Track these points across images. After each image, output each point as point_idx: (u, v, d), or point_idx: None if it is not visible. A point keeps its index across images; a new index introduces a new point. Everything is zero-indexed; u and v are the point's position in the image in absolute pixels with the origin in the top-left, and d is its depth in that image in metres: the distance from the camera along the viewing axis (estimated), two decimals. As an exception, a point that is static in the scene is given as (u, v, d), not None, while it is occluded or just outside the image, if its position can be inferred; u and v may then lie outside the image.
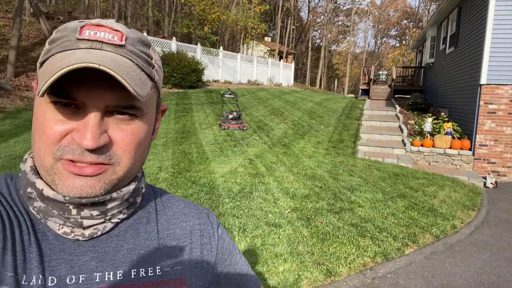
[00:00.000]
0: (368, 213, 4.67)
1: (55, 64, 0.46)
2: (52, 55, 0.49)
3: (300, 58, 48.62)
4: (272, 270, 3.19)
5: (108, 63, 0.46)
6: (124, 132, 0.52)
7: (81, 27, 0.50)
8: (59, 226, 0.53)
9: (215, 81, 18.00)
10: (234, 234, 3.74)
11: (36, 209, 0.53)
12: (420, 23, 44.77)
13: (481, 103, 7.66)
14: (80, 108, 0.49)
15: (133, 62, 0.51)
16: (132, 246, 0.58)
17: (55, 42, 0.50)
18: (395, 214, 4.70)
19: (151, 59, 0.55)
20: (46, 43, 0.52)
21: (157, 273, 0.58)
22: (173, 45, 15.92)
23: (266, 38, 36.41)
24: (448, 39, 11.06)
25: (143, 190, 0.62)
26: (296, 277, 3.12)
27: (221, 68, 18.71)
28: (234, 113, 9.31)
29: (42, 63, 0.50)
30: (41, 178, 0.52)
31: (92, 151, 0.49)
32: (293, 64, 28.07)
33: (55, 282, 0.50)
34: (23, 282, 0.47)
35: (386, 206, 4.98)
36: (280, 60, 26.77)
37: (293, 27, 43.93)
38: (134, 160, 0.54)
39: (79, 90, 0.47)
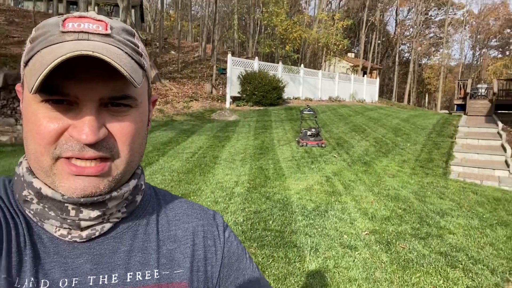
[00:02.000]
0: (460, 241, 4.13)
1: (45, 58, 0.44)
2: (37, 51, 0.47)
3: (387, 73, 46.53)
4: (345, 296, 2.96)
5: (100, 51, 0.44)
6: (121, 123, 0.50)
7: (63, 20, 0.48)
8: (56, 228, 0.51)
9: (296, 98, 18.07)
10: (305, 254, 3.59)
11: (32, 212, 0.52)
12: (529, 30, 39.79)
13: None
14: (73, 103, 0.47)
15: (122, 50, 0.49)
16: (129, 248, 0.55)
17: (37, 39, 0.49)
18: (494, 244, 4.08)
19: (138, 47, 0.53)
20: (27, 42, 0.51)
21: (155, 277, 0.54)
22: (255, 64, 16.44)
23: (349, 54, 35.71)
24: None
25: (143, 187, 0.60)
26: (371, 306, 2.85)
27: (302, 85, 18.75)
28: (313, 130, 9.17)
29: (26, 62, 0.49)
30: (38, 178, 0.51)
31: (92, 145, 0.47)
32: (377, 79, 26.95)
33: (48, 285, 0.48)
34: (16, 285, 0.47)
35: (484, 234, 4.35)
36: (364, 76, 25.91)
37: (379, 41, 42.38)
38: (133, 151, 0.53)
39: (71, 84, 0.46)
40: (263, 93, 14.89)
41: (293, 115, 13.26)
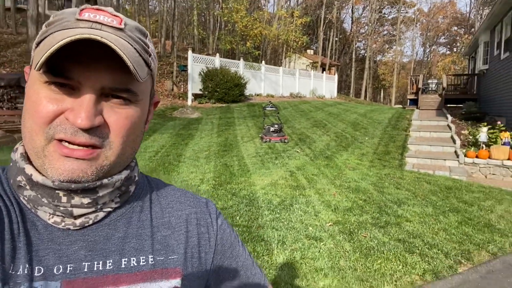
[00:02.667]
0: (416, 228, 4.39)
1: (55, 39, 0.45)
2: (50, 33, 0.48)
3: (344, 69, 47.92)
4: (312, 285, 3.06)
5: (109, 39, 0.45)
6: (118, 115, 0.51)
7: (81, 10, 0.50)
8: (49, 215, 0.52)
9: (258, 95, 18.18)
10: (273, 247, 3.67)
11: (26, 199, 0.52)
12: (472, 29, 42.50)
13: (544, 109, 7.04)
14: (75, 88, 0.48)
15: (132, 46, 0.50)
16: (123, 235, 0.56)
17: (53, 23, 0.50)
18: (447, 229, 4.38)
19: (148, 47, 0.55)
20: (43, 26, 0.52)
21: (150, 262, 0.55)
22: (217, 61, 16.35)
23: (308, 51, 36.36)
24: (502, 44, 10.37)
25: (136, 179, 0.61)
26: (337, 293, 2.98)
27: (264, 82, 18.89)
28: (276, 126, 9.30)
29: (38, 43, 0.50)
30: (31, 164, 0.52)
31: (85, 131, 0.48)
32: (336, 76, 27.69)
33: (42, 271, 0.49)
34: (10, 271, 0.47)
35: (437, 221, 4.66)
36: (323, 72, 26.54)
37: (336, 38, 43.55)
38: (125, 145, 0.53)
39: (76, 69, 0.47)
40: (225, 90, 14.85)
41: (255, 112, 13.34)
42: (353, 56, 43.69)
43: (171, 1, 23.42)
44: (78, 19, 0.49)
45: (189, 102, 14.97)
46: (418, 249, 3.80)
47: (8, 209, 0.51)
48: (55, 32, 0.48)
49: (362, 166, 7.38)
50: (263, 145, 8.66)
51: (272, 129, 9.21)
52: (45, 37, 0.49)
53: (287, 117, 12.85)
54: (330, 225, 4.33)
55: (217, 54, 17.28)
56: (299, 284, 3.06)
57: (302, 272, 3.24)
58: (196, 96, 15.29)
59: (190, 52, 15.40)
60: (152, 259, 0.56)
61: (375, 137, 10.02)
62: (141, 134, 0.58)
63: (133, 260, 0.54)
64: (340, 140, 9.68)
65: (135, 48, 0.50)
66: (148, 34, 0.56)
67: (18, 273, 0.47)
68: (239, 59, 18.37)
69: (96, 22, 0.49)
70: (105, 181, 0.53)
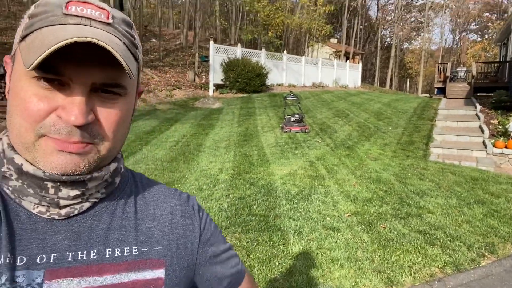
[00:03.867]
0: (439, 219, 4.27)
1: (47, 38, 0.44)
2: (38, 29, 0.47)
3: (369, 58, 46.79)
4: (327, 275, 3.04)
5: (104, 39, 0.45)
6: (109, 111, 0.51)
7: (67, 3, 0.49)
8: (34, 205, 0.52)
9: (279, 85, 18.05)
10: (289, 236, 3.65)
11: (10, 189, 0.52)
12: (505, 15, 40.43)
13: None
14: (65, 84, 0.48)
15: (121, 41, 0.50)
16: (107, 226, 0.56)
17: (37, 16, 0.49)
18: (471, 221, 4.23)
19: (134, 39, 0.54)
20: (25, 17, 0.51)
21: (134, 253, 0.56)
22: (238, 51, 16.31)
23: (332, 40, 35.67)
24: (538, 27, 9.80)
25: (122, 170, 0.61)
26: (353, 284, 2.94)
27: (285, 71, 18.72)
28: (296, 116, 9.22)
29: (24, 37, 0.49)
30: (20, 155, 0.51)
31: (79, 128, 0.48)
32: (360, 64, 27.09)
33: (25, 261, 0.49)
34: None
35: (461, 212, 4.51)
36: (346, 61, 26.02)
37: (361, 26, 42.46)
38: (116, 139, 0.54)
39: (67, 65, 0.46)
40: (246, 80, 14.82)
41: (276, 102, 13.26)
42: (378, 44, 42.55)
43: (193, -9, 23.47)
44: (65, 14, 0.48)
45: (211, 93, 15.05)
46: (440, 241, 3.70)
47: None
48: (43, 27, 0.47)
49: (384, 156, 7.22)
50: (284, 135, 8.61)
51: (292, 119, 9.14)
52: (31, 32, 0.48)
53: (308, 107, 12.70)
54: (348, 216, 4.27)
55: (239, 44, 17.23)
56: (314, 274, 3.04)
57: (318, 262, 3.21)
58: (217, 87, 15.35)
59: (211, 42, 15.43)
60: (136, 250, 0.56)
61: (399, 127, 9.77)
62: (129, 126, 0.59)
63: (117, 250, 0.55)
64: (362, 130, 9.49)
65: (124, 43, 0.50)
66: (133, 25, 0.56)
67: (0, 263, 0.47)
68: (260, 49, 18.26)
69: (84, 17, 0.48)
70: (95, 174, 0.53)
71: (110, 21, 0.50)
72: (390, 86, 41.21)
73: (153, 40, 22.13)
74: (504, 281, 3.16)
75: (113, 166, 0.57)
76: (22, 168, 0.50)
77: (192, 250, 0.63)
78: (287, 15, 23.82)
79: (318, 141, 8.15)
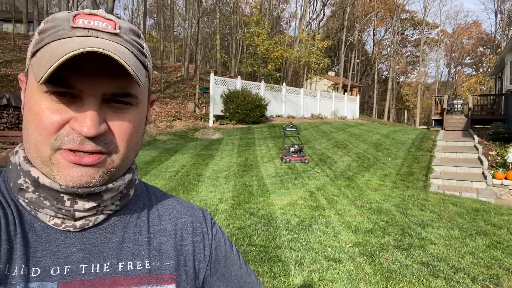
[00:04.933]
0: (441, 251, 4.20)
1: (55, 51, 0.46)
2: (47, 43, 0.49)
3: (366, 91, 47.62)
4: (330, 308, 2.96)
5: (111, 49, 0.46)
6: (121, 121, 0.52)
7: (74, 16, 0.50)
8: (50, 217, 0.52)
9: (278, 116, 18.25)
10: (290, 268, 3.58)
11: (27, 201, 0.53)
12: (498, 49, 41.61)
13: None
14: (77, 97, 0.49)
15: (129, 50, 0.51)
16: (121, 239, 0.56)
17: (47, 32, 0.50)
18: (474, 253, 4.17)
19: (143, 48, 0.55)
20: (36, 34, 0.52)
21: (146, 267, 0.56)
22: (238, 83, 16.61)
23: (330, 73, 36.45)
24: (531, 61, 10.07)
25: (136, 182, 0.62)
26: (356, 317, 2.86)
27: (284, 103, 18.99)
28: (296, 146, 9.26)
29: (34, 53, 0.50)
30: (36, 168, 0.52)
31: (92, 139, 0.49)
32: (358, 96, 27.54)
33: (39, 273, 0.49)
34: (6, 272, 0.47)
35: (464, 244, 4.44)
36: (344, 94, 26.46)
37: (358, 60, 43.53)
38: (130, 148, 0.54)
39: (78, 78, 0.48)
40: (246, 111, 15.01)
41: (276, 133, 13.36)
42: (375, 77, 43.47)
43: (195, 26, 24.21)
44: (73, 27, 0.49)
45: (211, 123, 15.19)
46: (443, 273, 3.62)
47: (5, 211, 0.52)
48: (52, 42, 0.48)
49: (385, 187, 7.20)
50: (283, 165, 8.61)
51: (292, 149, 9.18)
52: (41, 47, 0.49)
53: (307, 137, 12.79)
54: (350, 247, 4.21)
55: (239, 77, 17.58)
56: (316, 306, 2.96)
57: (320, 294, 3.14)
58: (217, 118, 15.51)
59: (212, 75, 15.75)
60: (148, 264, 0.56)
61: (398, 158, 9.80)
62: (142, 135, 0.59)
63: (130, 264, 0.55)
64: (362, 160, 9.51)
65: (132, 52, 0.51)
66: (141, 34, 0.57)
67: (14, 274, 0.48)
68: (260, 81, 18.62)
69: (92, 29, 0.50)
70: (110, 185, 0.54)
71: (117, 31, 0.51)
72: (388, 118, 41.68)
73: (155, 72, 22.59)
74: (511, 314, 3.07)
75: (128, 177, 0.57)
76: (38, 181, 0.51)
77: (199, 268, 0.62)
78: (286, 49, 24.47)
79: (318, 172, 8.15)
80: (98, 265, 0.53)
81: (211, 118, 15.31)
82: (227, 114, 15.34)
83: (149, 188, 0.67)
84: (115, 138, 0.52)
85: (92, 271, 0.52)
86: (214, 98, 15.37)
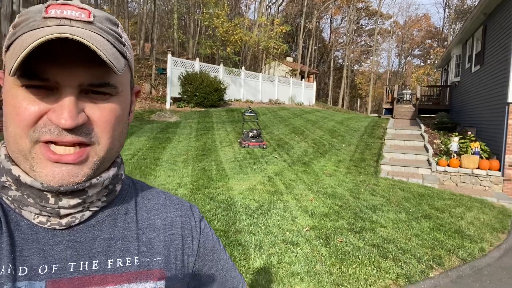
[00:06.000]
0: (390, 233, 4.50)
1: (25, 41, 0.44)
2: (19, 36, 0.47)
3: (322, 78, 48.68)
4: (288, 290, 3.08)
5: (81, 35, 0.44)
6: (101, 110, 0.50)
7: (46, 7, 0.49)
8: (35, 215, 0.51)
9: (237, 100, 18.20)
10: (250, 251, 3.66)
11: (10, 199, 0.51)
12: (445, 42, 44.13)
13: (510, 122, 7.37)
14: (53, 89, 0.47)
15: (104, 38, 0.49)
16: (109, 236, 0.55)
17: (20, 25, 0.49)
18: (420, 235, 4.50)
19: (121, 37, 0.54)
20: (10, 28, 0.51)
21: (135, 264, 0.56)
22: (196, 65, 16.28)
23: (288, 59, 36.74)
24: (473, 57, 10.82)
25: (123, 177, 0.61)
26: (313, 297, 3.00)
27: (243, 87, 18.93)
28: (254, 131, 9.33)
29: (8, 47, 0.49)
30: (17, 165, 0.51)
31: (71, 130, 0.47)
32: (315, 83, 28.08)
33: (26, 272, 0.48)
34: None
35: (410, 227, 4.78)
36: (301, 80, 26.87)
37: (315, 47, 44.23)
38: (113, 139, 0.53)
39: (51, 69, 0.46)
40: (204, 95, 14.79)
41: (234, 117, 13.34)
42: (331, 65, 44.48)
43: (151, 3, 23.20)
44: (45, 17, 0.48)
45: (168, 106, 14.82)
46: (392, 254, 3.89)
47: None
48: (23, 34, 0.47)
49: (339, 172, 7.50)
50: (242, 150, 8.66)
51: (251, 134, 9.24)
52: (14, 40, 0.48)
53: (266, 123, 12.91)
54: (307, 230, 4.37)
55: (197, 59, 17.21)
56: (275, 288, 3.07)
57: (279, 277, 3.25)
58: (174, 100, 15.16)
59: (169, 55, 15.28)
60: (137, 261, 0.56)
61: (351, 145, 10.21)
62: (126, 126, 0.58)
63: (119, 261, 0.55)
64: (318, 146, 9.80)
65: (108, 40, 0.50)
66: (120, 24, 0.56)
67: (1, 274, 0.46)
68: (219, 64, 18.36)
69: (64, 18, 0.48)
70: (94, 180, 0.52)
71: (91, 19, 0.49)
72: (342, 105, 43.04)
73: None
74: (450, 290, 3.38)
75: (112, 171, 0.56)
76: (20, 179, 0.49)
77: (188, 262, 0.63)
78: (246, 33, 24.24)
79: (276, 157, 8.29)
80: (86, 262, 0.52)
81: (168, 101, 14.92)
82: (185, 96, 15.02)
83: (136, 183, 0.66)
84: (97, 128, 0.50)
85: (81, 269, 0.51)
86: (171, 80, 14.96)
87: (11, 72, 0.42)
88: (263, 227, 4.33)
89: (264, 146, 9.10)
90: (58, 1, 0.50)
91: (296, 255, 3.68)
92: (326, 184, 6.51)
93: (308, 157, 8.60)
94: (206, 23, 22.35)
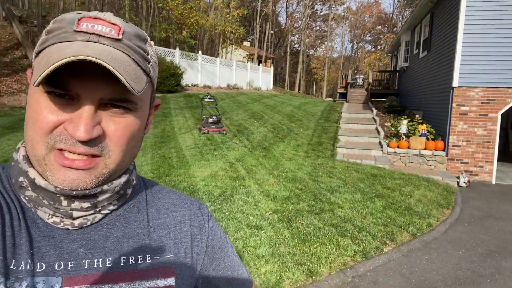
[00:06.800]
0: (347, 213, 4.75)
1: (52, 55, 0.46)
2: (49, 45, 0.49)
3: (279, 62, 49.02)
4: (254, 272, 3.19)
5: (105, 57, 0.46)
6: (117, 125, 0.52)
7: (79, 19, 0.50)
8: (49, 215, 0.53)
9: (194, 86, 17.92)
10: (215, 237, 3.73)
11: (27, 198, 0.53)
12: (395, 29, 45.96)
13: (454, 105, 7.94)
14: (74, 99, 0.49)
15: (130, 56, 0.51)
16: (122, 234, 0.58)
17: (52, 32, 0.50)
18: (374, 213, 4.80)
19: (147, 54, 0.55)
20: (43, 33, 0.52)
21: (147, 261, 0.58)
22: (151, 49, 15.75)
23: (245, 43, 36.55)
24: (421, 43, 11.41)
25: (134, 182, 0.62)
26: (278, 277, 3.14)
27: (200, 72, 18.65)
28: (214, 117, 9.30)
29: (38, 53, 0.50)
30: (34, 168, 0.52)
31: (84, 142, 0.49)
32: (272, 68, 28.26)
33: (44, 267, 0.50)
34: (11, 267, 0.48)
35: (365, 206, 5.07)
36: (259, 65, 26.91)
37: (272, 32, 44.28)
38: (125, 153, 0.54)
39: (75, 81, 0.48)
40: (160, 80, 14.40)
41: (192, 103, 13.17)
42: (288, 49, 44.86)
43: (100, -18, 21.96)
44: (76, 31, 0.49)
45: (122, 92, 14.30)
46: (349, 233, 4.13)
47: (9, 206, 0.52)
48: (53, 44, 0.48)
49: (298, 156, 7.71)
50: (202, 136, 8.62)
51: (210, 120, 9.20)
52: (44, 48, 0.49)
53: (225, 108, 12.88)
54: (269, 214, 4.50)
55: (152, 42, 16.60)
56: (242, 271, 3.17)
57: (245, 260, 3.35)
58: (129, 85, 14.63)
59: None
60: (149, 258, 0.58)
61: (309, 129, 10.50)
62: (140, 139, 0.59)
63: (132, 258, 0.57)
64: (277, 131, 9.98)
65: (133, 59, 0.51)
66: (148, 39, 0.57)
67: (20, 269, 0.48)
68: (175, 48, 17.90)
69: (93, 33, 0.49)
70: (105, 187, 0.54)
71: (120, 36, 0.50)
72: (299, 89, 43.76)
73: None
74: (403, 264, 3.68)
75: (124, 178, 0.58)
76: (35, 182, 0.51)
77: (197, 260, 0.65)
78: (202, 16, 23.72)
79: (236, 143, 8.35)
80: (100, 260, 0.54)
81: (122, 86, 14.39)
82: (140, 81, 14.56)
83: (146, 183, 0.68)
84: (109, 142, 0.52)
85: (95, 266, 0.54)
86: (125, 64, 14.40)
87: (35, 83, 0.44)
88: (227, 213, 4.40)
89: (224, 132, 9.11)
90: (91, 14, 0.51)
91: (260, 239, 3.80)
92: (286, 168, 6.69)
93: (268, 142, 8.74)
94: (160, 5, 21.58)
